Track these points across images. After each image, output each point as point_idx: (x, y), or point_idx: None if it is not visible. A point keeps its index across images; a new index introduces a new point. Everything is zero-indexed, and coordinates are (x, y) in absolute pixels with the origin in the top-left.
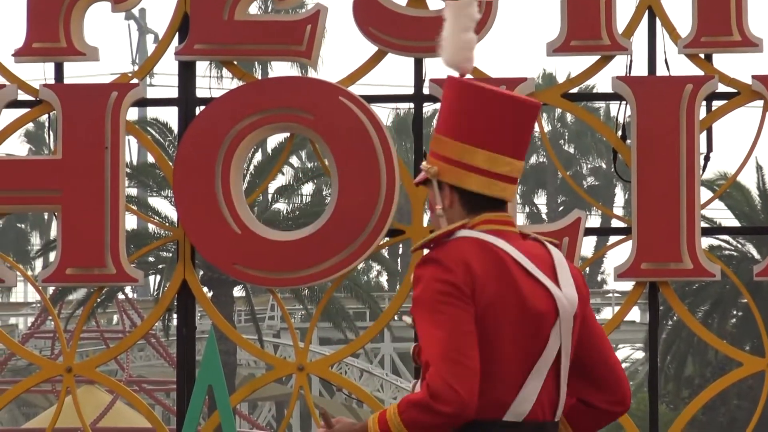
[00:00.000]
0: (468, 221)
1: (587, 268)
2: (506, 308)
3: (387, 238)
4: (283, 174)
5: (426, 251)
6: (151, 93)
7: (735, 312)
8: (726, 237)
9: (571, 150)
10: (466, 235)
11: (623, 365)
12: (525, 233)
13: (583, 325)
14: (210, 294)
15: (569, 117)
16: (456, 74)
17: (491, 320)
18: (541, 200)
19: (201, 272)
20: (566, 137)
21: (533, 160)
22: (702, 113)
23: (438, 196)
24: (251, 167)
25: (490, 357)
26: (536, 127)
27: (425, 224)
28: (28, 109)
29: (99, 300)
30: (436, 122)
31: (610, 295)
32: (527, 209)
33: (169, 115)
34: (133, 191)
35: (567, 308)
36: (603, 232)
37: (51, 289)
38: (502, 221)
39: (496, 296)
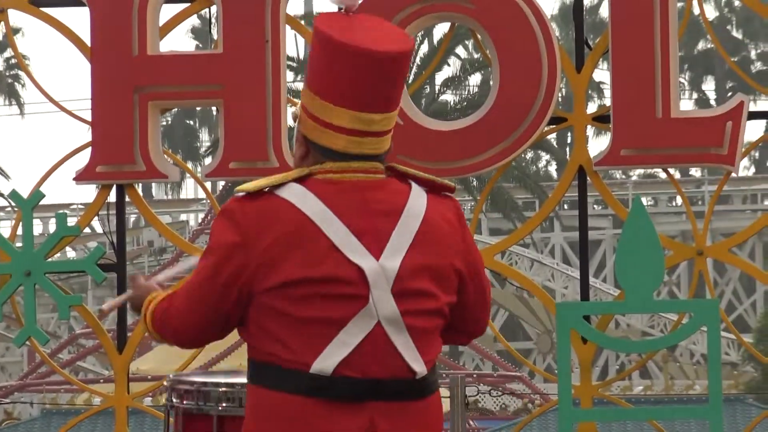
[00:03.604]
0: (304, 172)
1: (756, 152)
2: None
3: (549, 126)
4: (449, 65)
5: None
6: None
7: None
8: None
9: (739, 35)
10: (283, 194)
11: None
12: (405, 174)
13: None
14: None
15: (736, 1)
16: (335, 9)
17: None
18: (709, 86)
19: None
20: (734, 22)
21: (701, 45)
22: None
23: (295, 145)
24: (417, 58)
25: None
26: (698, 13)
27: (589, 111)
28: (187, 4)
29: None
30: (306, 71)
31: None
32: (695, 95)
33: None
34: (300, 85)
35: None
36: None
37: (221, 185)
38: (341, 170)
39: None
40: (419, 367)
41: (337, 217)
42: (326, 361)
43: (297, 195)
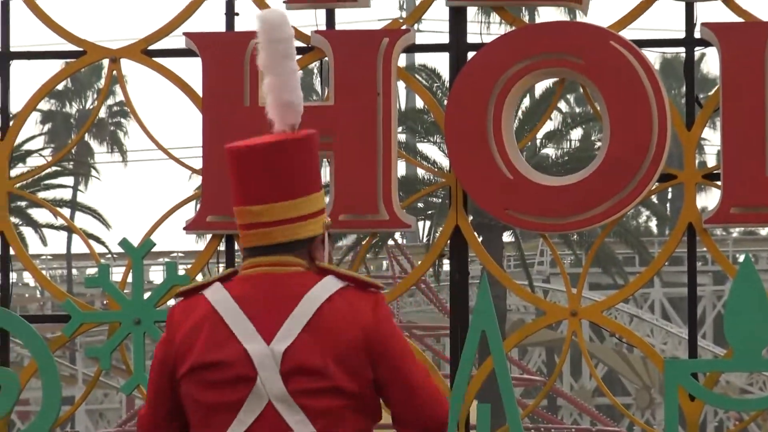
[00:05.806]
0: (229, 271)
1: None
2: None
3: (657, 183)
4: (551, 119)
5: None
6: (419, 39)
7: None
8: None
9: None
10: (205, 292)
11: None
12: (327, 270)
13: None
14: (480, 239)
15: None
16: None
17: None
18: None
19: (471, 217)
20: None
21: None
22: None
23: None
24: (519, 113)
25: None
26: None
27: (697, 168)
28: (299, 56)
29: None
30: None
31: None
32: None
33: (437, 61)
34: (402, 137)
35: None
36: None
37: None
38: (254, 265)
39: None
40: None
41: (238, 305)
42: None
43: (213, 290)
